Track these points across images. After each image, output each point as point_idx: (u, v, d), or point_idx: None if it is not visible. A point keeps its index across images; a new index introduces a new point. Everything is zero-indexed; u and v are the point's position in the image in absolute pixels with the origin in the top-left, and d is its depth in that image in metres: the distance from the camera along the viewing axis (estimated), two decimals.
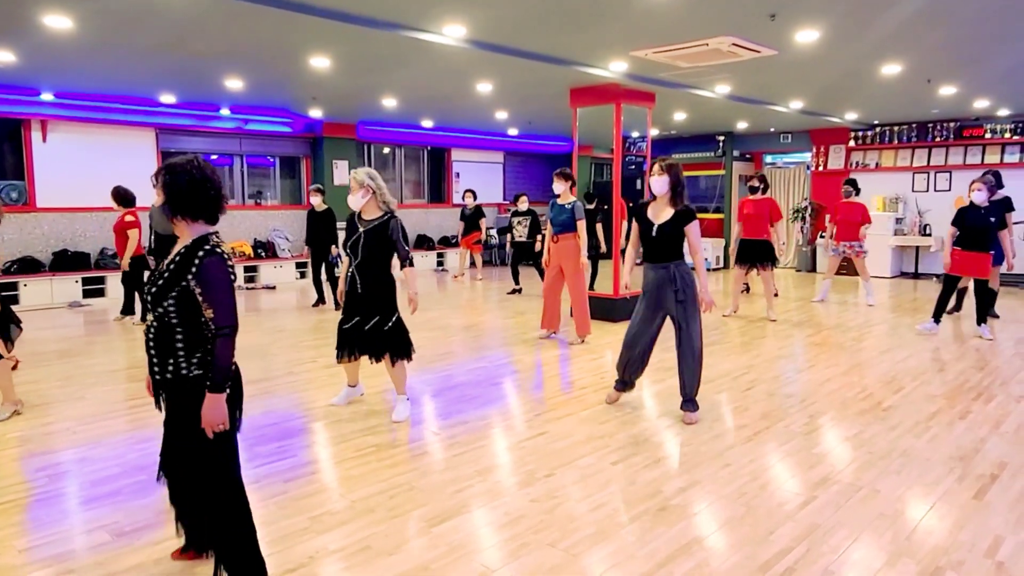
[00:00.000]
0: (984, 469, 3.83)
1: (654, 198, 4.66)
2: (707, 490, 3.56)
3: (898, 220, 12.57)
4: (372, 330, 4.56)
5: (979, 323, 7.34)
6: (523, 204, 10.72)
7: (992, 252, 7.13)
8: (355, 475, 3.77)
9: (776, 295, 9.16)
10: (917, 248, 12.46)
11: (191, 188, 2.46)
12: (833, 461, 3.97)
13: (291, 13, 5.17)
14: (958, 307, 8.54)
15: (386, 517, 3.28)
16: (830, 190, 13.42)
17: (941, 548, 2.97)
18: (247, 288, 11.43)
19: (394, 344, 4.60)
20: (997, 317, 8.46)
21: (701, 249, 4.59)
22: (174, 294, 2.42)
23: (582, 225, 6.85)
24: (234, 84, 8.42)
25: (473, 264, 12.71)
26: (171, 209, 2.47)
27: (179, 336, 2.45)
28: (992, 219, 7.09)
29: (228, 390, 2.44)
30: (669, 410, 4.89)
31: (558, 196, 6.92)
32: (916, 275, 12.53)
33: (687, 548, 2.98)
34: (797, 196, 14.13)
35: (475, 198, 12.21)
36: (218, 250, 2.44)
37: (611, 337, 7.38)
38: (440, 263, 14.20)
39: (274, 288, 11.55)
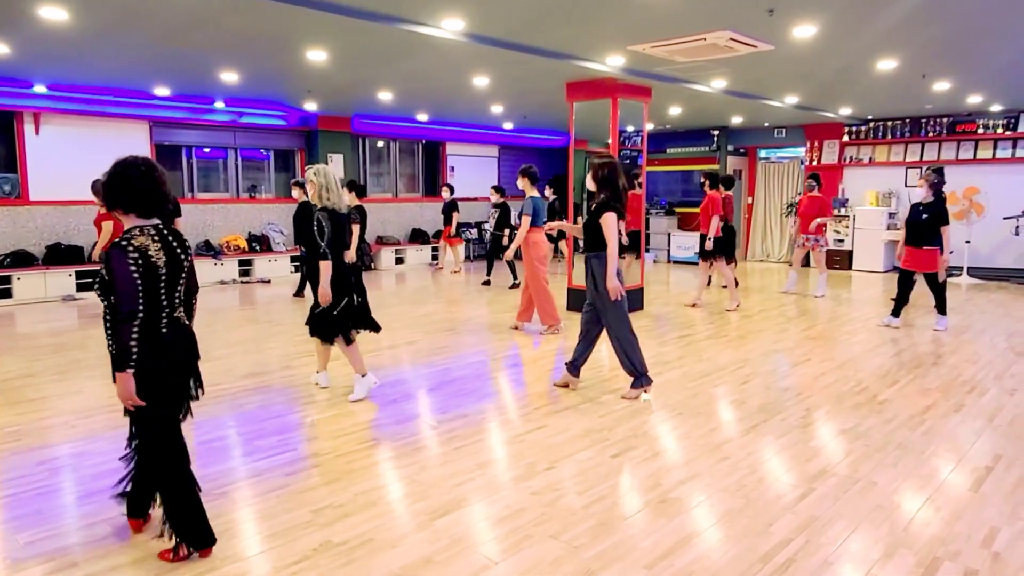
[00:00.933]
0: (979, 461, 3.88)
1: None
2: (706, 483, 3.59)
3: (891, 215, 12.63)
4: (311, 313, 5.02)
5: (940, 313, 7.50)
6: (494, 197, 10.98)
7: (935, 247, 7.23)
8: (356, 469, 3.78)
9: (708, 284, 9.61)
10: None
11: (120, 184, 2.70)
12: (830, 454, 4.01)
13: (290, 6, 5.14)
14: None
15: (388, 510, 3.29)
16: (824, 185, 13.45)
17: (938, 539, 3.01)
18: (242, 282, 11.40)
19: (314, 326, 4.98)
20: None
21: (611, 239, 4.84)
22: (98, 280, 2.75)
23: (525, 220, 7.22)
24: (229, 77, 8.38)
25: (468, 257, 12.78)
26: (106, 202, 2.75)
27: (107, 317, 2.75)
28: (925, 215, 7.24)
29: (131, 369, 2.64)
30: (667, 404, 4.92)
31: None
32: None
33: (688, 540, 3.01)
34: (791, 191, 14.17)
35: (451, 192, 12.41)
36: (123, 243, 2.64)
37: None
38: (435, 257, 14.19)
39: (269, 282, 11.52)
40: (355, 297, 5.00)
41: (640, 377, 5.03)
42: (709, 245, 8.71)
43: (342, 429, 4.42)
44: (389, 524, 3.15)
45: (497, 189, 11.18)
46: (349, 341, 4.95)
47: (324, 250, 4.70)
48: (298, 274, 11.53)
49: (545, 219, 7.37)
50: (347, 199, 5.18)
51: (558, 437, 4.26)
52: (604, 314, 5.00)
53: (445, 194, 12.36)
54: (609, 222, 4.82)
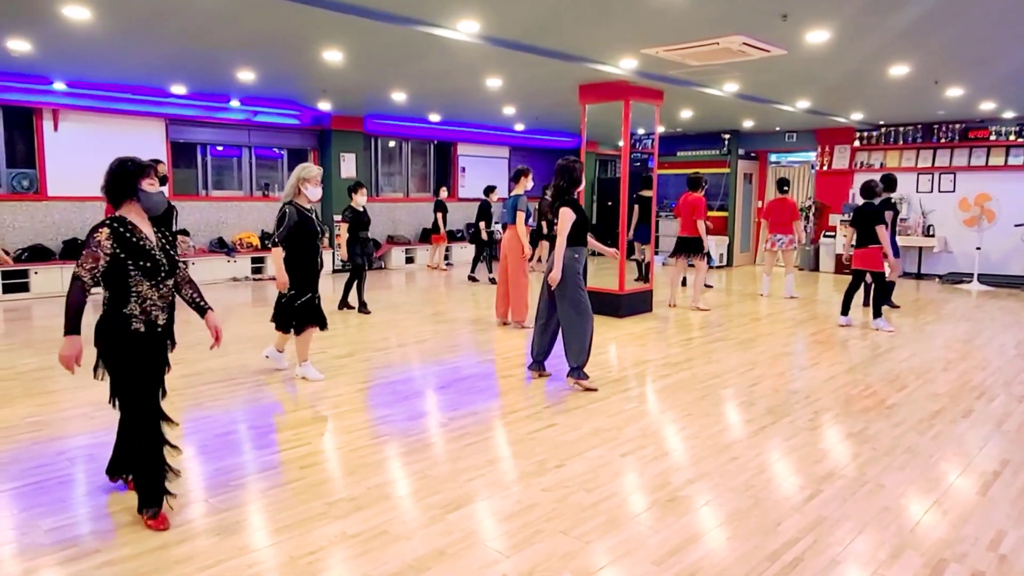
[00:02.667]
0: (987, 466, 3.90)
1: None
2: (715, 482, 3.63)
3: (902, 220, 12.60)
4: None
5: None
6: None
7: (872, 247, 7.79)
8: (369, 463, 3.84)
9: (683, 284, 10.15)
10: (920, 249, 12.52)
11: None
12: (838, 456, 4.04)
13: (307, 7, 5.22)
14: (865, 301, 8.94)
15: (401, 504, 3.35)
16: (835, 190, 13.49)
17: (945, 541, 3.04)
18: (254, 279, 11.50)
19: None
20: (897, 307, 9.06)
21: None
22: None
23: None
24: (246, 76, 8.47)
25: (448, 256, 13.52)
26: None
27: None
28: None
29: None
30: (676, 404, 4.96)
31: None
32: (919, 275, 12.59)
33: (696, 537, 3.05)
34: (801, 195, 14.18)
35: (441, 193, 12.98)
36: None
37: (616, 332, 7.45)
38: (446, 257, 14.25)
39: None
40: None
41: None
42: (707, 246, 9.06)
43: (354, 425, 4.48)
44: (402, 517, 3.21)
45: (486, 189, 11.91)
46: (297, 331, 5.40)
47: (274, 239, 5.24)
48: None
49: (514, 218, 7.52)
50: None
51: (568, 435, 4.31)
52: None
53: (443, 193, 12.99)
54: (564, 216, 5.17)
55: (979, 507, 3.38)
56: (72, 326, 2.95)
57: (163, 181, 7.42)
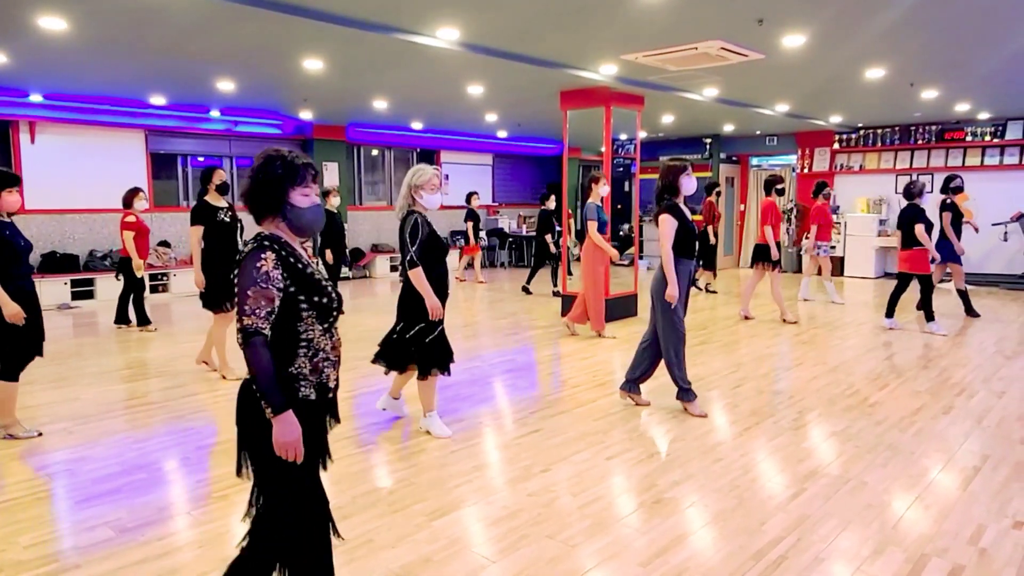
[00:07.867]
0: (967, 461, 3.95)
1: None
2: (700, 484, 3.65)
3: (881, 222, 12.77)
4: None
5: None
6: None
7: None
8: (355, 471, 3.82)
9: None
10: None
11: None
12: (821, 455, 4.07)
13: (286, 16, 5.21)
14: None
15: (387, 511, 3.34)
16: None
17: (926, 536, 3.07)
18: None
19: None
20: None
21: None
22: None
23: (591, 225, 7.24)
24: (226, 86, 8.43)
25: (470, 266, 12.79)
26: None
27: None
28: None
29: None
30: (661, 407, 4.97)
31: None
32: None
33: (682, 538, 3.06)
34: (783, 198, 14.29)
35: (472, 201, 12.29)
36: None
37: (602, 336, 7.46)
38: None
39: None
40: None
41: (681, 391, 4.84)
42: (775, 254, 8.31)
43: (339, 433, 4.45)
44: (388, 525, 3.19)
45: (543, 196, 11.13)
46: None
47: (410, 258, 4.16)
48: None
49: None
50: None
51: (554, 440, 4.31)
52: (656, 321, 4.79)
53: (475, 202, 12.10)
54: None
55: (960, 502, 3.42)
56: (280, 400, 2.05)
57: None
